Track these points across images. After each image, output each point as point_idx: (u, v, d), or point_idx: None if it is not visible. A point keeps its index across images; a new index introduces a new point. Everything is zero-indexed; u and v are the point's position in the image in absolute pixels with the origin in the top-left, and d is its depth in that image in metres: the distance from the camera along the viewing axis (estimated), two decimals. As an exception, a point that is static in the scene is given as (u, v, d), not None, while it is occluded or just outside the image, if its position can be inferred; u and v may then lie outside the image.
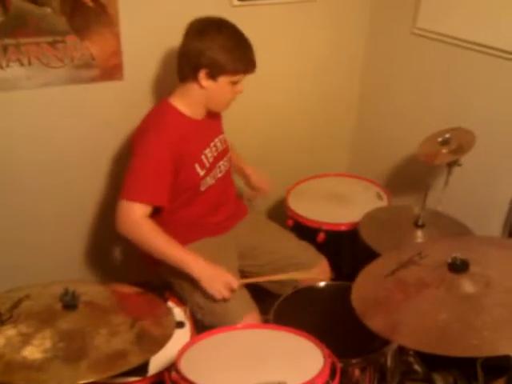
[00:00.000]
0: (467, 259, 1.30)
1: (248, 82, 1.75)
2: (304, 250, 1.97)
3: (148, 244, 1.66)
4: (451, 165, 1.96)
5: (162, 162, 1.65)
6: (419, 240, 1.85)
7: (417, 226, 1.87)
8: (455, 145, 1.93)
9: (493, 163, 2.08)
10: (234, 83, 1.71)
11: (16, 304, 1.26)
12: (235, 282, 1.67)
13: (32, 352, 1.12)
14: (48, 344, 1.14)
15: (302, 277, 1.83)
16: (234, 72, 1.68)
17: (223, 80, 1.68)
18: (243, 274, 1.87)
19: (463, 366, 1.77)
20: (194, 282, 1.72)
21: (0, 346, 1.13)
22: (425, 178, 2.26)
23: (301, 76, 2.41)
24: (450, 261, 1.31)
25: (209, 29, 1.66)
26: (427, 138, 2.01)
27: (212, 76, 1.67)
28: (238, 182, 2.13)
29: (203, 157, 1.78)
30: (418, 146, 2.01)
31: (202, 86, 1.69)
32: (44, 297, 1.30)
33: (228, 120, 1.96)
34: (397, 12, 2.35)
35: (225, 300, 1.67)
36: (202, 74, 1.67)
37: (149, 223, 1.65)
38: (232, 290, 1.67)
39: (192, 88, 1.71)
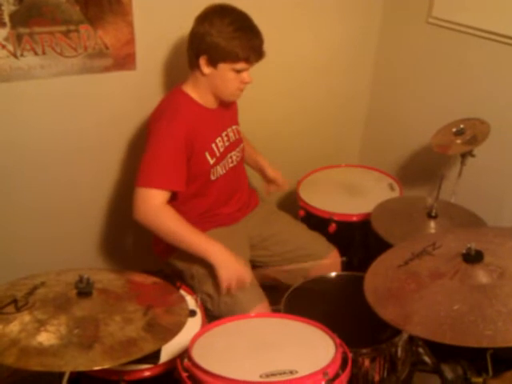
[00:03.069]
0: (482, 250, 1.30)
1: (260, 73, 1.74)
2: (315, 241, 1.97)
3: (171, 232, 1.63)
4: (465, 155, 1.94)
5: (176, 147, 1.64)
6: (432, 231, 1.83)
7: (430, 216, 1.86)
8: (469, 135, 1.92)
9: (507, 154, 2.06)
10: (238, 72, 1.66)
11: (31, 291, 1.27)
12: (248, 279, 1.66)
13: (47, 338, 1.13)
14: (63, 330, 1.15)
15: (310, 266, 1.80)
16: (234, 59, 1.62)
17: (224, 67, 1.64)
18: (254, 264, 1.88)
19: (472, 357, 1.76)
20: (204, 272, 1.73)
21: (16, 332, 1.14)
22: (438, 168, 2.25)
23: (313, 66, 2.40)
24: (464, 251, 1.31)
25: (211, 14, 1.63)
26: (441, 129, 2.00)
27: (212, 62, 1.64)
28: (254, 175, 2.12)
29: (214, 145, 1.77)
30: (431, 137, 1.99)
31: (203, 74, 1.67)
32: (59, 284, 1.31)
33: (240, 111, 1.96)
34: (412, 1, 2.33)
35: (230, 292, 1.66)
36: (202, 61, 1.65)
37: (170, 210, 1.63)
38: (241, 286, 1.66)
39: (198, 75, 1.70)
